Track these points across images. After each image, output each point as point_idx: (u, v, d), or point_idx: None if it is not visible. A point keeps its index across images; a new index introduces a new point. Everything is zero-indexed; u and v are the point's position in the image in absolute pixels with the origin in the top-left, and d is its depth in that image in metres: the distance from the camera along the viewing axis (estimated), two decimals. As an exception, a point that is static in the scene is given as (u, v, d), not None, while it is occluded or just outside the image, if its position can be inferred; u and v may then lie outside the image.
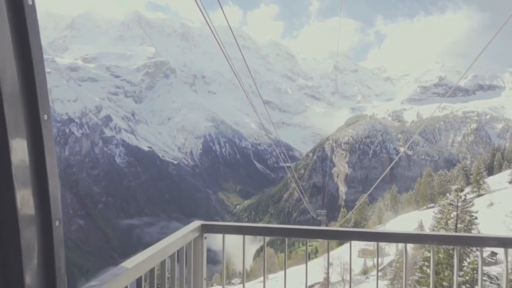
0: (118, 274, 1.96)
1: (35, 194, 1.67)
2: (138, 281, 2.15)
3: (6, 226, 1.55)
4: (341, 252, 42.65)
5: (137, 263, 2.14)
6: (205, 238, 3.13)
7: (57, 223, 1.72)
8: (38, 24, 1.68)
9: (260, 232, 3.35)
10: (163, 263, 2.50)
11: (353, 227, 67.28)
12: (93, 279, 1.81)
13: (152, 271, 2.31)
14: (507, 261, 2.65)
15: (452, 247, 17.81)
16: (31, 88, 1.64)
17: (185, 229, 2.94)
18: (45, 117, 1.69)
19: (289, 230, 3.27)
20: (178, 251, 2.71)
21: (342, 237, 3.58)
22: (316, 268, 41.28)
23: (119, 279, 1.95)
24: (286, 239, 3.36)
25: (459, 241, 3.35)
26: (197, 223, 3.11)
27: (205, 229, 3.13)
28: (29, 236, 1.60)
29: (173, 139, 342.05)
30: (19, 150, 1.58)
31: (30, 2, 1.61)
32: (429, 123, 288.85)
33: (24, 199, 1.61)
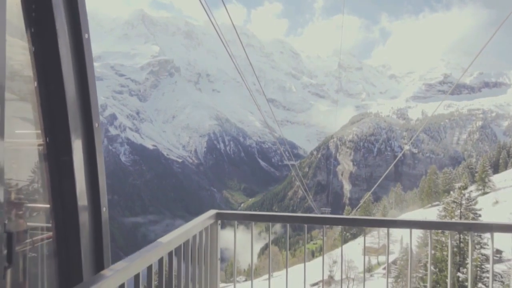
0: (149, 250, 2.23)
1: (88, 186, 2.19)
2: (160, 261, 2.38)
3: (67, 211, 2.08)
4: (345, 250, 42.65)
5: (165, 242, 2.46)
6: (219, 224, 3.50)
7: (104, 209, 2.27)
8: (92, 53, 2.24)
9: (272, 219, 3.71)
10: (186, 243, 2.81)
11: (358, 225, 67.03)
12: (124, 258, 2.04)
13: (177, 248, 2.61)
14: None
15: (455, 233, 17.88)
16: (86, 103, 2.19)
17: (202, 217, 3.27)
18: (96, 125, 2.24)
19: (302, 218, 3.62)
20: (197, 234, 3.03)
21: (358, 223, 3.86)
22: (320, 266, 41.33)
23: (149, 255, 2.21)
24: (306, 225, 3.77)
25: (468, 227, 3.78)
26: (212, 212, 3.45)
27: (219, 216, 3.49)
28: (84, 219, 2.13)
29: (177, 137, 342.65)
30: (77, 151, 2.10)
31: (86, 36, 2.19)
32: (434, 120, 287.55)
33: (81, 190, 2.12)
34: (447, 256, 19.46)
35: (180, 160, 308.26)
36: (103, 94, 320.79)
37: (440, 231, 21.40)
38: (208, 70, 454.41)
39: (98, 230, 2.23)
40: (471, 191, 25.59)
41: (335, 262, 41.03)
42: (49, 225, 2.08)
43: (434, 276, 20.01)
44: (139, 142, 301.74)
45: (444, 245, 20.28)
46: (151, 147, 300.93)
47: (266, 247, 62.13)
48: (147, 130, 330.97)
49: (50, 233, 2.06)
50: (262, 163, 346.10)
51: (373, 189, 20.52)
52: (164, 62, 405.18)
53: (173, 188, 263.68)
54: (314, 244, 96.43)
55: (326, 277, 41.70)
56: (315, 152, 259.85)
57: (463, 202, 21.92)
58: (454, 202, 22.23)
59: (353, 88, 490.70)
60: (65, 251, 2.10)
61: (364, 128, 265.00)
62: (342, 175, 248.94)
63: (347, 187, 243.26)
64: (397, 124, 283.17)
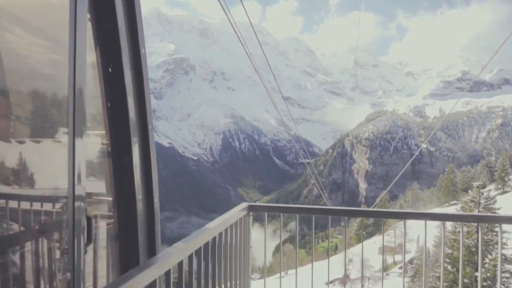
0: (189, 240, 2.46)
1: (143, 180, 2.52)
2: (205, 245, 2.65)
3: (127, 202, 2.39)
4: (361, 249, 42.30)
5: (205, 231, 2.72)
6: (251, 215, 3.86)
7: (156, 199, 2.62)
8: (147, 65, 2.58)
9: (299, 211, 4.06)
10: (225, 231, 3.12)
11: (373, 224, 66.73)
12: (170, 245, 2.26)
13: (214, 239, 2.85)
14: None
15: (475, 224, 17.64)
16: (143, 108, 2.52)
17: (236, 209, 3.59)
18: (150, 127, 2.59)
19: (327, 210, 3.95)
20: (232, 224, 3.32)
21: (378, 215, 4.23)
22: (335, 264, 41.15)
23: (196, 240, 2.50)
24: (330, 217, 4.14)
25: (478, 219, 4.02)
26: (244, 204, 3.79)
27: (251, 208, 3.86)
28: (140, 208, 2.45)
29: (193, 135, 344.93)
30: (135, 151, 2.44)
31: (143, 51, 2.53)
32: (452, 118, 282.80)
33: (138, 184, 2.45)
34: (464, 256, 19.19)
35: (195, 158, 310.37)
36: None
37: (457, 230, 21.12)
38: (223, 68, 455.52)
39: (151, 219, 2.56)
40: (490, 190, 25.18)
41: (350, 260, 40.83)
42: (111, 213, 2.41)
43: (451, 276, 19.78)
44: (155, 139, 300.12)
45: (462, 244, 19.99)
46: (166, 145, 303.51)
47: (282, 244, 62.05)
48: (162, 128, 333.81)
49: (112, 220, 2.39)
50: (277, 161, 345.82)
51: (389, 187, 20.33)
52: (179, 60, 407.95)
53: (188, 185, 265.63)
54: (330, 242, 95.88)
55: (342, 275, 41.53)
56: (330, 150, 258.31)
57: (482, 201, 21.58)
58: (472, 201, 21.90)
59: (369, 85, 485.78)
60: (125, 236, 2.40)
61: (380, 126, 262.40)
62: (357, 173, 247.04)
63: (362, 185, 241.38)
64: (414, 122, 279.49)
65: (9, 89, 1.62)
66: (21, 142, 1.69)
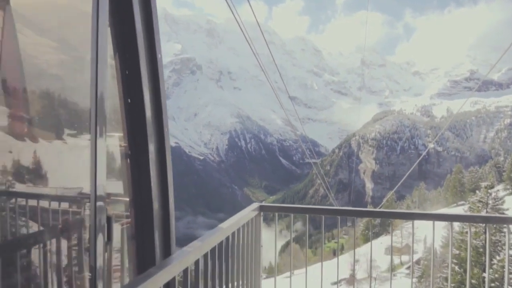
0: (205, 238, 2.54)
1: (159, 180, 2.59)
2: (219, 244, 2.73)
3: (144, 202, 2.47)
4: (368, 249, 42.19)
5: (219, 231, 2.80)
6: (262, 215, 3.96)
7: (171, 200, 2.67)
8: (163, 70, 2.69)
9: (309, 211, 4.18)
10: (237, 231, 3.21)
11: (379, 224, 66.45)
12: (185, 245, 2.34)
13: (227, 238, 2.93)
14: None
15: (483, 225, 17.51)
16: (159, 111, 2.64)
17: (247, 209, 3.70)
18: (166, 129, 2.71)
19: (336, 211, 4.10)
20: (244, 224, 3.40)
21: (388, 216, 4.40)
22: (342, 264, 40.98)
23: (209, 240, 2.56)
24: (339, 217, 4.24)
25: (487, 220, 4.07)
26: (255, 205, 3.91)
27: (262, 209, 3.96)
28: (157, 207, 2.53)
29: (199, 134, 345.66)
30: (152, 153, 2.54)
31: (159, 56, 2.66)
32: (460, 118, 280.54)
33: (154, 183, 2.51)
34: (472, 256, 19.06)
35: (201, 158, 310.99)
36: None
37: (465, 231, 20.95)
38: (229, 68, 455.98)
39: (167, 219, 2.61)
40: (498, 190, 24.97)
41: (357, 261, 40.70)
42: (128, 213, 2.47)
43: (458, 277, 19.64)
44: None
45: (470, 245, 19.85)
46: (173, 145, 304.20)
47: (287, 244, 62.27)
48: (169, 127, 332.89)
49: (129, 220, 2.45)
50: (283, 160, 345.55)
51: (396, 187, 20.23)
52: (186, 60, 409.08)
53: (194, 185, 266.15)
54: (335, 242, 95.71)
55: (348, 275, 41.41)
56: (336, 150, 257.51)
57: (490, 201, 21.40)
58: (480, 201, 21.72)
59: (376, 85, 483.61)
60: (141, 235, 2.47)
61: (387, 126, 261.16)
62: (364, 173, 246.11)
63: (369, 185, 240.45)
64: (421, 122, 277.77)
65: (38, 92, 1.69)
66: (47, 144, 1.77)
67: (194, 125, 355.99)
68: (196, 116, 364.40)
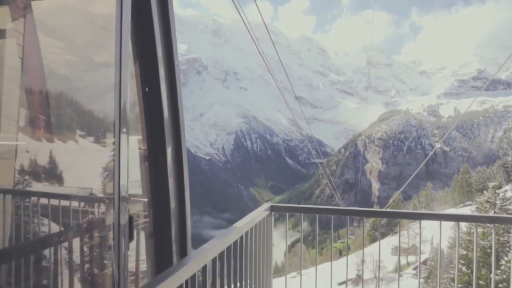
0: (221, 237, 2.63)
1: (176, 180, 2.70)
2: (234, 243, 2.80)
3: (162, 202, 2.58)
4: (374, 249, 42.10)
5: (234, 230, 2.89)
6: (273, 215, 4.06)
7: (187, 199, 2.80)
8: (180, 75, 2.81)
9: (319, 211, 4.35)
10: (251, 230, 3.30)
11: (386, 224, 66.23)
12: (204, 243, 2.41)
13: (241, 237, 3.01)
14: None
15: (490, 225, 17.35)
16: (176, 115, 2.73)
17: (259, 209, 3.81)
18: (183, 133, 2.80)
19: (345, 211, 4.25)
20: (257, 224, 3.49)
21: (396, 216, 4.54)
22: (348, 264, 40.89)
23: (226, 239, 2.65)
24: (348, 217, 4.36)
25: (494, 220, 4.15)
26: (267, 205, 4.02)
27: (273, 209, 4.06)
28: (174, 206, 2.65)
29: (205, 135, 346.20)
30: (169, 155, 2.65)
31: (176, 63, 2.76)
32: (467, 117, 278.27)
33: (172, 184, 2.63)
34: (479, 257, 18.92)
35: (207, 158, 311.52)
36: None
37: (472, 231, 20.80)
38: (235, 68, 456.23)
39: (183, 216, 2.73)
40: (506, 190, 24.75)
41: (363, 261, 40.60)
42: (146, 213, 2.59)
43: (466, 277, 19.51)
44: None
45: (476, 245, 19.71)
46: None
47: (292, 244, 62.26)
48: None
49: (147, 220, 2.57)
50: (289, 160, 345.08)
51: (402, 187, 20.14)
52: (192, 60, 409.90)
53: (200, 185, 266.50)
54: (342, 243, 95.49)
55: (354, 276, 41.32)
56: (342, 150, 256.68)
57: (498, 202, 21.24)
58: (487, 201, 21.56)
59: (382, 85, 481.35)
60: (159, 234, 2.58)
61: (394, 126, 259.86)
62: (370, 173, 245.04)
63: (375, 185, 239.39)
64: (428, 122, 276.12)
65: (60, 95, 1.73)
66: (72, 146, 1.82)
67: (200, 125, 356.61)
68: (202, 116, 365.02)
